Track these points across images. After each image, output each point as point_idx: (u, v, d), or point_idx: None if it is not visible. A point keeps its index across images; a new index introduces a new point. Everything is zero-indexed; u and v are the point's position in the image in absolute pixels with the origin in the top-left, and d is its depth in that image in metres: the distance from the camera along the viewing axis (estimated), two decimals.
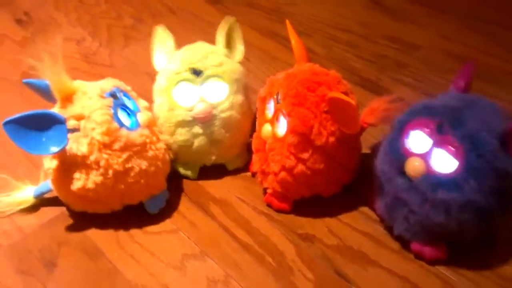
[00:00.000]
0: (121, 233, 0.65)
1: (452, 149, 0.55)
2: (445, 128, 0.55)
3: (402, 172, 0.58)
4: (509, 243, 0.62)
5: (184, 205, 0.69)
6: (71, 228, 0.66)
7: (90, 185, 0.60)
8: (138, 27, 1.08)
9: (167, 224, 0.66)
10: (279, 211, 0.67)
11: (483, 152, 0.53)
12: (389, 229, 0.63)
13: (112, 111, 0.60)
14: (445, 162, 0.55)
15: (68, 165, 0.60)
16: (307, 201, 0.67)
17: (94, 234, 0.65)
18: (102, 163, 0.59)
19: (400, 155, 0.58)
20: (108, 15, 1.12)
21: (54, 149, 0.57)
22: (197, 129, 0.68)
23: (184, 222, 0.67)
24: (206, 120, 0.67)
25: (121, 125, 0.61)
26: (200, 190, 0.71)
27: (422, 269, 0.60)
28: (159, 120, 0.69)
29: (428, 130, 0.57)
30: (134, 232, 0.65)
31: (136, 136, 0.62)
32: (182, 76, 0.67)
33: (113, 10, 1.14)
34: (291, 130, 0.60)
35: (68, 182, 0.61)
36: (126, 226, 0.65)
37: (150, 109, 0.69)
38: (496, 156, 0.53)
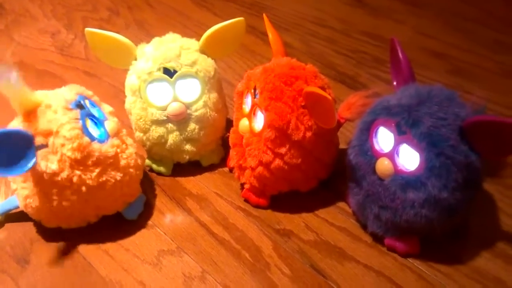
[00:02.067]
0: (96, 229, 0.64)
1: (413, 147, 0.54)
2: (403, 127, 0.55)
3: (374, 170, 0.58)
4: (478, 235, 0.63)
5: (160, 200, 0.68)
6: (43, 225, 0.65)
7: (63, 203, 0.57)
8: (114, 20, 1.06)
9: (143, 220, 0.65)
10: (256, 206, 0.67)
11: (442, 149, 0.52)
12: (364, 223, 0.63)
13: (80, 123, 0.57)
14: (410, 161, 0.55)
15: (38, 184, 0.57)
16: (285, 196, 0.66)
17: (67, 230, 0.63)
18: (74, 179, 0.56)
19: (370, 157, 0.59)
20: (84, 8, 1.11)
21: (23, 168, 0.53)
22: (171, 126, 0.67)
23: (161, 217, 0.66)
24: (180, 119, 0.67)
25: (92, 138, 0.57)
26: (177, 186, 0.70)
27: (397, 263, 0.60)
28: (131, 116, 0.68)
29: (390, 129, 0.57)
30: (109, 227, 0.64)
31: (108, 148, 0.58)
32: (155, 76, 0.65)
33: (89, 2, 1.12)
34: (268, 125, 0.60)
35: (40, 202, 0.58)
36: (101, 222, 0.64)
37: (114, 112, 0.66)
38: (456, 151, 0.52)
